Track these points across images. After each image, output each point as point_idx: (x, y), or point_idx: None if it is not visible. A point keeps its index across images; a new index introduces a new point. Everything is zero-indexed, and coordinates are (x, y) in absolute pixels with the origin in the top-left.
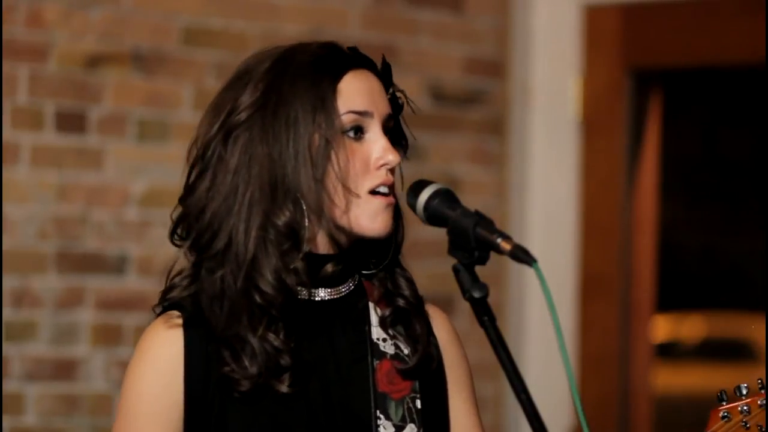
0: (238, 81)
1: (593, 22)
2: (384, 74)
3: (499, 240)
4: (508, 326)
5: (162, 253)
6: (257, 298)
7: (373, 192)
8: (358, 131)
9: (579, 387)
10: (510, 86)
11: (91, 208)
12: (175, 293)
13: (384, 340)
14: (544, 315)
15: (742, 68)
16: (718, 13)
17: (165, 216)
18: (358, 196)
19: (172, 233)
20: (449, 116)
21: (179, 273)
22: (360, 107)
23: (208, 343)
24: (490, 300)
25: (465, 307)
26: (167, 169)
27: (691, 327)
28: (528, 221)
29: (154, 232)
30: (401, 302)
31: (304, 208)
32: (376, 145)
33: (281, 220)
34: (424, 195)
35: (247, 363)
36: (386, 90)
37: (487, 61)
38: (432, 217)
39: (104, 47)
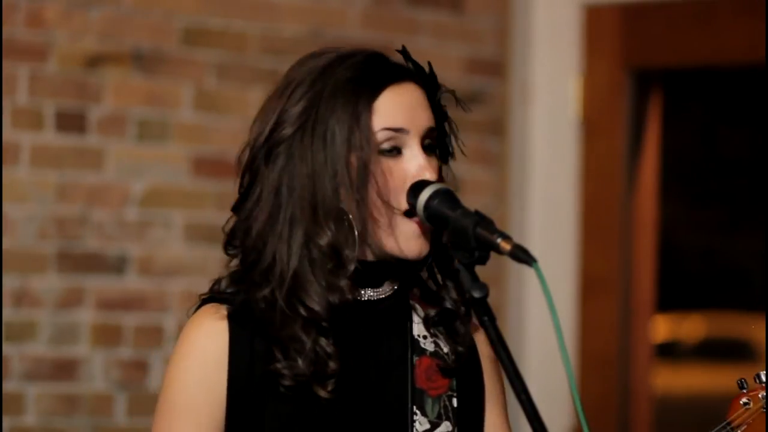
0: (286, 88)
1: (593, 22)
2: (429, 82)
3: (499, 240)
4: (508, 326)
5: (162, 253)
6: (303, 312)
7: (408, 213)
8: (394, 149)
9: (579, 387)
10: (510, 86)
11: (91, 208)
12: (222, 285)
13: (425, 337)
14: (544, 315)
15: (741, 68)
16: (718, 13)
17: (165, 216)
18: (401, 212)
19: (226, 245)
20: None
21: (230, 272)
22: (395, 124)
23: (252, 339)
24: (490, 300)
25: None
26: (167, 169)
27: (691, 327)
28: (528, 221)
29: (154, 232)
30: (449, 304)
31: (347, 225)
32: (413, 163)
33: (323, 240)
34: (424, 195)
35: (298, 362)
36: (432, 97)
37: (487, 61)
38: (432, 217)
39: (104, 47)
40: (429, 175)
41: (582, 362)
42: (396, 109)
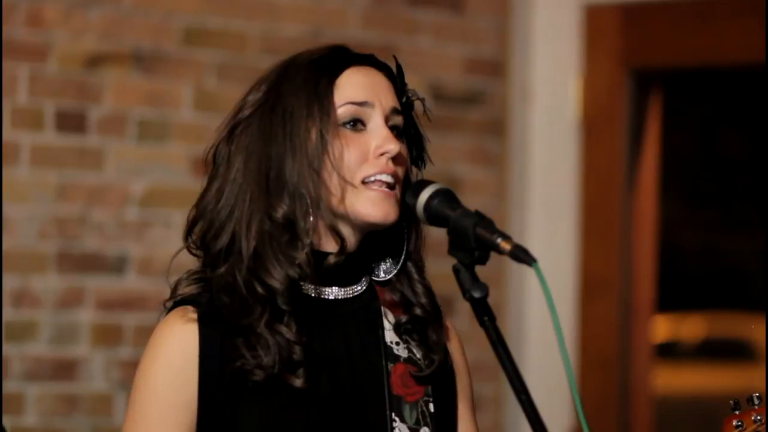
0: (254, 85)
1: (593, 22)
2: (396, 77)
3: (499, 240)
4: (508, 326)
5: (162, 253)
6: (260, 289)
7: (369, 181)
8: (358, 122)
9: (579, 387)
10: (510, 86)
11: (91, 208)
12: (185, 289)
13: (397, 343)
14: (544, 315)
15: (741, 68)
16: (718, 13)
17: (165, 216)
18: (353, 185)
19: (186, 236)
20: (449, 116)
21: (188, 272)
22: (358, 98)
23: (223, 339)
24: (490, 300)
25: (465, 307)
26: (167, 169)
27: (691, 327)
28: (528, 221)
29: (154, 232)
30: (419, 311)
31: (305, 200)
32: (377, 134)
33: (279, 212)
34: (424, 195)
35: (261, 353)
36: (399, 95)
37: (487, 61)
38: (432, 217)
39: (104, 47)
40: (393, 146)
41: (582, 362)
42: (359, 85)
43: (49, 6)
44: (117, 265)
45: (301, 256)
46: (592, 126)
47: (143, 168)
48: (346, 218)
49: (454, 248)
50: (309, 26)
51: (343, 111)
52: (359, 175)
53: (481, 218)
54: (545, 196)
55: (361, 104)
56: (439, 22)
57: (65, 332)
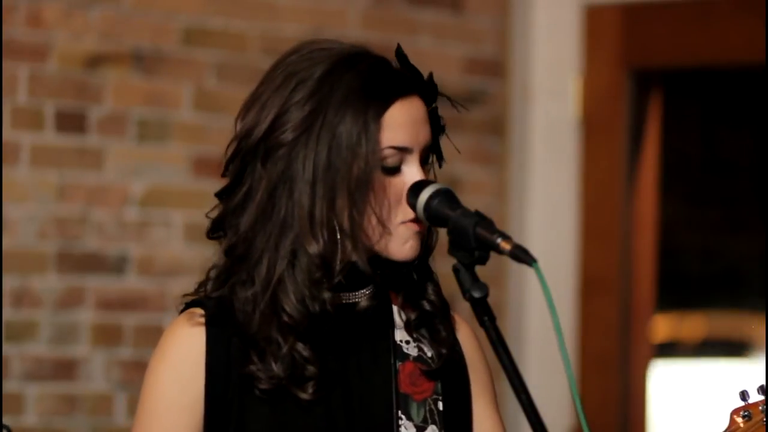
0: (286, 82)
1: (593, 22)
2: (429, 92)
3: (499, 240)
4: (508, 326)
5: (162, 253)
6: (284, 318)
7: (402, 223)
8: (395, 167)
9: (579, 387)
10: (510, 86)
11: (91, 208)
12: (208, 286)
13: (407, 342)
14: (544, 315)
15: (741, 68)
16: (718, 13)
17: (165, 216)
18: (389, 230)
19: (210, 232)
20: (449, 116)
21: (214, 267)
22: (401, 143)
23: (230, 343)
24: (490, 300)
25: (465, 307)
26: (167, 169)
27: (691, 327)
28: (528, 221)
29: (154, 232)
30: (427, 306)
31: (339, 237)
32: (411, 179)
33: (314, 249)
34: (424, 195)
35: (273, 365)
36: (430, 103)
37: (487, 61)
38: (432, 217)
39: (104, 47)
40: None
41: (582, 362)
42: (403, 127)
43: (49, 6)
44: (117, 265)
45: (327, 294)
46: (592, 126)
47: (143, 168)
48: (375, 255)
49: (454, 248)
50: (309, 26)
51: (384, 153)
52: (394, 220)
53: (481, 218)
54: (545, 196)
55: (401, 149)
56: (439, 22)
57: (65, 332)
